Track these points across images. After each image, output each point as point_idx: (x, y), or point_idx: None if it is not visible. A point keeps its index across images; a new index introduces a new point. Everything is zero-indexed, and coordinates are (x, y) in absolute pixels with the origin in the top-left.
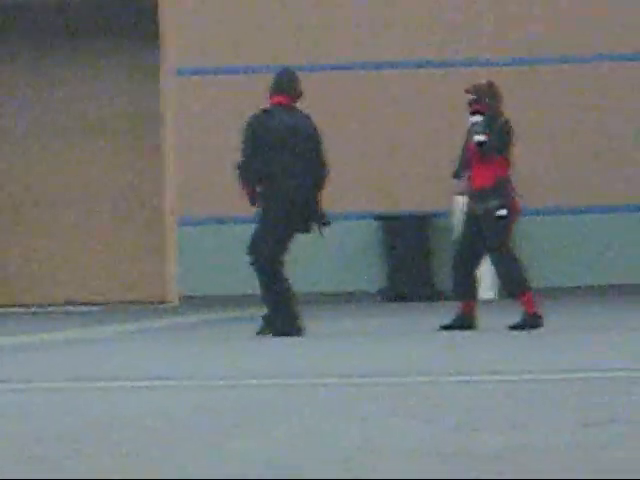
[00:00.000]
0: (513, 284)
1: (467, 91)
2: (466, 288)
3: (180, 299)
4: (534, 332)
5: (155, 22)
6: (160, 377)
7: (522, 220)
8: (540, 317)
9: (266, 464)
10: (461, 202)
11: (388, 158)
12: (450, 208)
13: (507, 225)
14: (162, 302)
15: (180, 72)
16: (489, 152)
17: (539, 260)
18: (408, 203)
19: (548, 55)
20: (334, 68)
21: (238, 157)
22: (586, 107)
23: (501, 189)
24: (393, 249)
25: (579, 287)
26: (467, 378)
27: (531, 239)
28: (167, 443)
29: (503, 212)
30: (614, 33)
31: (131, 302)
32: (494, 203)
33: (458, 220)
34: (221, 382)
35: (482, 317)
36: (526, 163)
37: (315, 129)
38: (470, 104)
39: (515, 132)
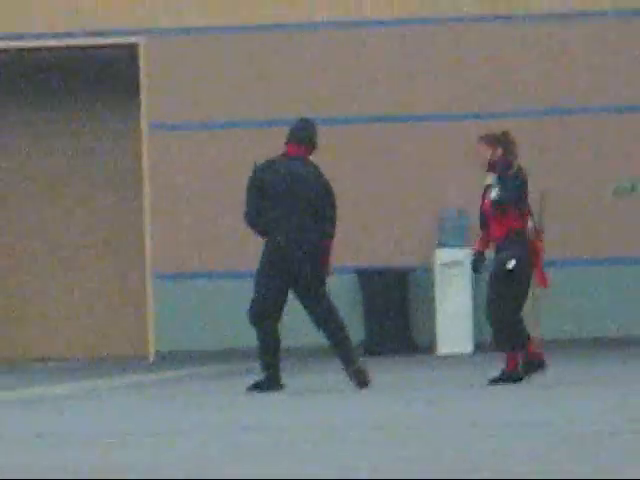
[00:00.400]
0: (505, 338)
1: (481, 138)
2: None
3: (156, 354)
4: (512, 386)
5: (136, 78)
6: (130, 433)
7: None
8: (518, 373)
9: None
10: (440, 257)
11: (369, 212)
12: (429, 263)
13: (517, 278)
14: (140, 357)
15: (155, 127)
16: (504, 207)
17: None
18: (388, 258)
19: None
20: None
21: (216, 211)
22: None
23: (513, 241)
24: (372, 303)
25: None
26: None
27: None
28: None
29: (511, 264)
30: None
31: (109, 357)
32: (503, 255)
33: (438, 275)
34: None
35: (460, 371)
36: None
37: (327, 183)
38: (489, 162)
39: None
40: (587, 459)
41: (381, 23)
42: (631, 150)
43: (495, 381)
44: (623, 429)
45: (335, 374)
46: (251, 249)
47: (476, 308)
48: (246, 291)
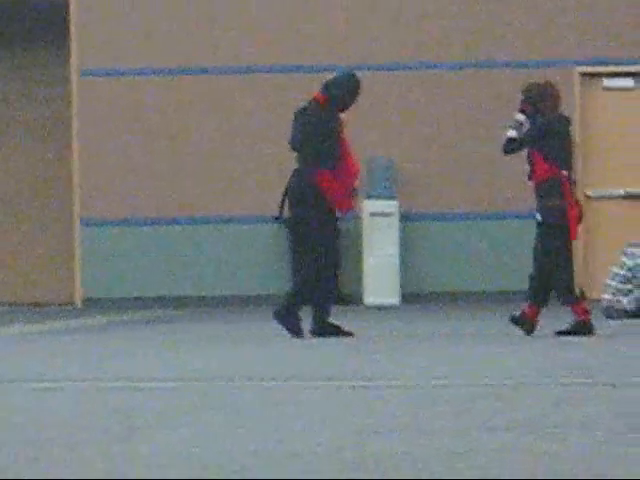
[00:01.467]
0: (560, 290)
1: (522, 90)
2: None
3: (84, 301)
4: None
5: (65, 23)
6: (57, 379)
7: (413, 225)
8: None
9: (170, 462)
10: (368, 207)
11: (292, 162)
12: (357, 212)
13: (547, 231)
14: (68, 304)
15: (84, 73)
16: (517, 149)
17: (432, 264)
18: None
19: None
20: (236, 71)
21: (145, 158)
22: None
23: (541, 191)
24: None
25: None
26: (367, 383)
27: (423, 243)
28: (71, 443)
29: (537, 217)
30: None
31: (37, 303)
32: (539, 204)
33: (366, 225)
34: (118, 384)
35: (386, 323)
36: (423, 168)
37: (306, 123)
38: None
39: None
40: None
41: None
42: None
43: (563, 333)
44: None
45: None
46: (179, 196)
47: (403, 260)
48: (174, 238)
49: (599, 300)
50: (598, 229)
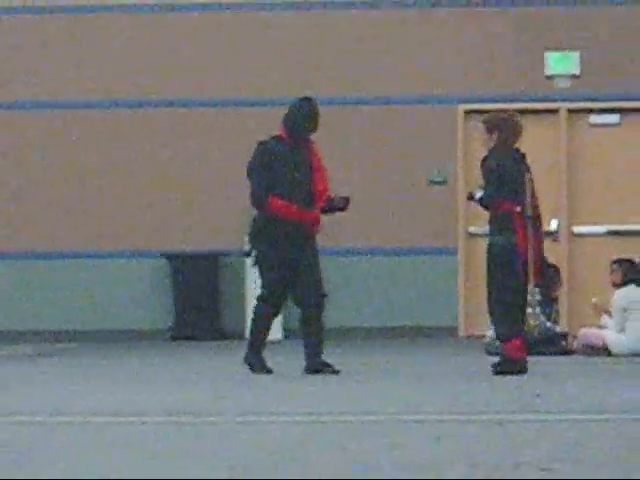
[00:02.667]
0: (499, 327)
1: (482, 120)
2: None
3: None
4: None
5: None
6: None
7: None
8: (521, 362)
9: None
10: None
11: (180, 196)
12: (240, 249)
13: (491, 267)
14: None
15: None
16: (488, 202)
17: (337, 300)
18: (197, 242)
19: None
20: (112, 105)
21: (20, 190)
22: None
23: (496, 226)
24: (181, 288)
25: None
26: (248, 419)
27: (331, 278)
28: None
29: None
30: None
31: None
32: (490, 239)
33: (248, 261)
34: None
35: (270, 358)
36: None
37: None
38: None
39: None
40: None
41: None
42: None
43: (495, 368)
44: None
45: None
46: (59, 232)
47: None
48: (44, 272)
49: (482, 337)
50: (481, 266)
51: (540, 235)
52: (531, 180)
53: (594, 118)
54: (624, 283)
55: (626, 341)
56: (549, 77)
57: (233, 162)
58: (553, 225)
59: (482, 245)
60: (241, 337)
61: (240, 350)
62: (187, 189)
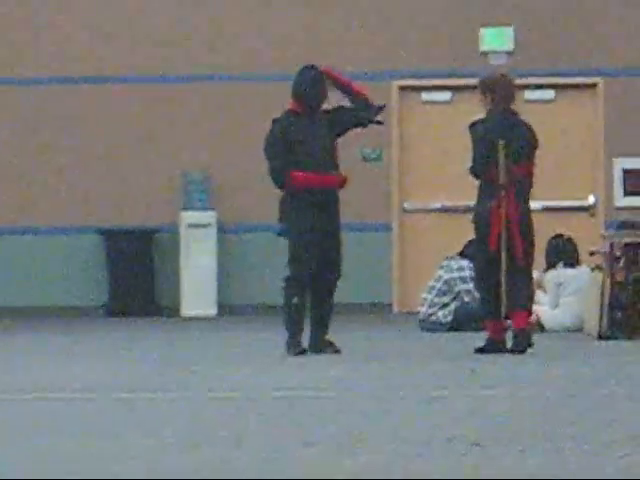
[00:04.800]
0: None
1: (478, 82)
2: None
3: None
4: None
5: None
6: None
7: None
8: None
9: None
10: (185, 218)
11: (115, 171)
12: (175, 225)
13: (476, 235)
14: None
15: None
16: (476, 174)
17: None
18: (131, 218)
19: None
20: (41, 80)
21: None
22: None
23: (479, 193)
24: (116, 264)
25: None
26: (183, 395)
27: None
28: None
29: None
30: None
31: None
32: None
33: (183, 237)
34: None
35: (203, 334)
36: (240, 179)
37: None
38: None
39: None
40: None
41: None
42: None
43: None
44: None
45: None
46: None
47: (220, 271)
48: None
49: (416, 313)
50: (415, 242)
51: (516, 203)
52: (519, 148)
53: (529, 94)
54: (556, 260)
55: (560, 317)
56: (484, 53)
57: (168, 136)
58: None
59: (416, 221)
60: (176, 313)
61: (175, 327)
62: (121, 164)
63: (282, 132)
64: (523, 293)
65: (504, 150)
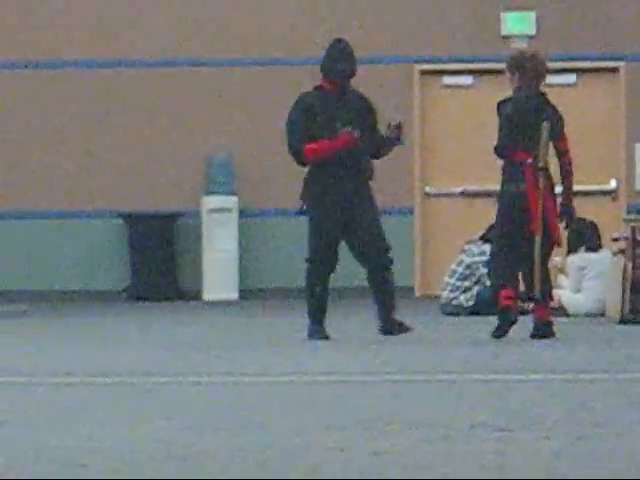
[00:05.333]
0: (492, 277)
1: (507, 61)
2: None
3: None
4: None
5: None
6: None
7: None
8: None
9: None
10: (207, 203)
11: (136, 156)
12: (197, 209)
13: (502, 214)
14: None
15: None
16: (501, 155)
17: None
18: (154, 202)
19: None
20: (61, 65)
21: None
22: None
23: (506, 175)
24: (138, 248)
25: None
26: (204, 379)
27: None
28: None
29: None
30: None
31: None
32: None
33: (205, 221)
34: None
35: (225, 319)
36: (262, 164)
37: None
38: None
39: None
40: None
41: None
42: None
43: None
44: None
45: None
46: (13, 192)
47: (242, 256)
48: (6, 233)
49: (438, 297)
50: (437, 226)
51: (550, 188)
52: (554, 126)
53: (550, 78)
54: (578, 245)
55: (582, 301)
56: (505, 37)
57: (189, 121)
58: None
59: (438, 206)
60: (197, 297)
61: (197, 310)
62: (143, 149)
63: (305, 108)
64: (545, 283)
65: (548, 130)
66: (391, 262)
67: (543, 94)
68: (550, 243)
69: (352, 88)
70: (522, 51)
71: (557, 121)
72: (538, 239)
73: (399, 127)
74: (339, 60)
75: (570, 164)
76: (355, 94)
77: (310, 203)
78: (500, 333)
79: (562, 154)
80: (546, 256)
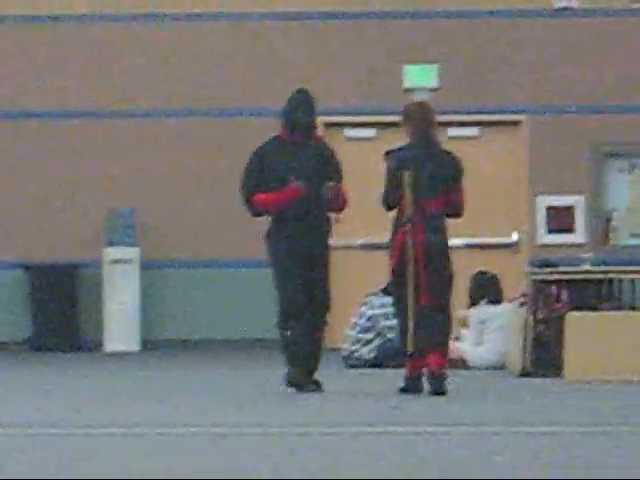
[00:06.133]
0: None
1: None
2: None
3: None
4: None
5: None
6: None
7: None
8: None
9: None
10: (108, 254)
11: (38, 206)
12: (99, 260)
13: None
14: None
15: None
16: (388, 206)
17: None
18: (55, 252)
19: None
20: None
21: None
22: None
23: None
24: (39, 298)
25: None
26: (98, 431)
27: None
28: None
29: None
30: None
31: None
32: None
33: (106, 272)
34: None
35: (125, 371)
36: (165, 215)
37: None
38: None
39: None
40: None
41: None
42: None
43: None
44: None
45: None
46: None
47: (144, 306)
48: None
49: (339, 349)
50: (338, 279)
51: (423, 237)
52: (446, 176)
53: (453, 131)
54: (480, 297)
55: (484, 354)
56: (408, 89)
57: (92, 171)
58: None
59: (339, 257)
60: (99, 348)
61: (98, 362)
62: (44, 197)
63: (260, 157)
64: (436, 332)
65: (411, 182)
66: (325, 323)
67: (435, 143)
68: (435, 294)
69: (318, 138)
70: (412, 102)
71: (445, 173)
72: (410, 293)
73: (333, 187)
74: (299, 111)
75: (456, 213)
76: (319, 145)
77: (269, 252)
78: (405, 391)
79: (453, 206)
80: (438, 307)
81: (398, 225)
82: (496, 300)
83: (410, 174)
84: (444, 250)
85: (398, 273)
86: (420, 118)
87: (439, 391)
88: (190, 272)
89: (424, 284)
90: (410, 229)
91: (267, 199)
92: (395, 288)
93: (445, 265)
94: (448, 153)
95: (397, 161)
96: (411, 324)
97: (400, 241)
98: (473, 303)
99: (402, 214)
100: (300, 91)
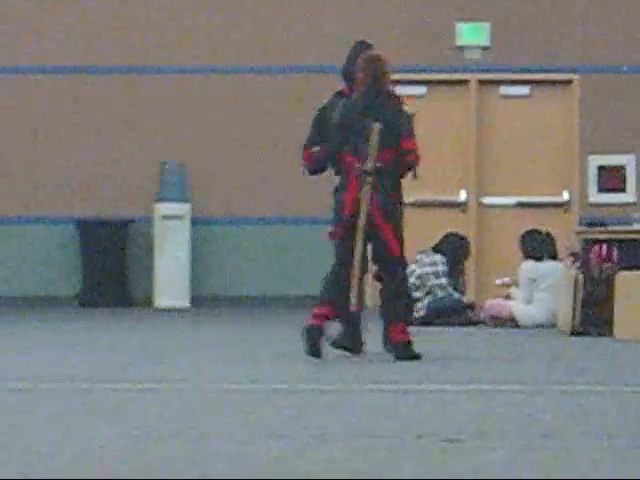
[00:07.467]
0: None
1: None
2: None
3: None
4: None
5: None
6: None
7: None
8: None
9: None
10: (159, 210)
11: (88, 161)
12: (149, 216)
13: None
14: None
15: None
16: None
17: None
18: (106, 209)
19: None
20: (15, 70)
21: None
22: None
23: (338, 182)
24: (90, 255)
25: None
26: (150, 386)
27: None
28: None
29: None
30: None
31: None
32: None
33: (157, 228)
34: None
35: (175, 326)
36: (215, 171)
37: None
38: None
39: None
40: None
41: None
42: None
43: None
44: None
45: None
46: None
47: (194, 262)
48: None
49: None
50: None
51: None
52: (393, 127)
53: (504, 89)
54: (531, 256)
55: (534, 312)
56: (460, 48)
57: (142, 127)
58: (462, 196)
59: None
60: (149, 304)
61: (147, 318)
62: (95, 155)
63: (320, 115)
64: (398, 303)
65: (378, 135)
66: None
67: (383, 94)
68: (385, 250)
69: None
70: (367, 54)
71: (397, 120)
72: (359, 246)
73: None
74: (356, 59)
75: (413, 163)
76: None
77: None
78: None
79: (404, 154)
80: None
81: (351, 179)
82: (554, 256)
83: (378, 124)
84: (398, 207)
85: (348, 227)
86: (370, 69)
87: (407, 356)
88: (240, 229)
89: (389, 237)
90: (374, 182)
91: (310, 154)
92: (343, 241)
93: (398, 222)
94: (394, 106)
95: (342, 113)
96: (355, 280)
97: (353, 194)
98: (529, 258)
99: (347, 168)
100: (360, 43)
